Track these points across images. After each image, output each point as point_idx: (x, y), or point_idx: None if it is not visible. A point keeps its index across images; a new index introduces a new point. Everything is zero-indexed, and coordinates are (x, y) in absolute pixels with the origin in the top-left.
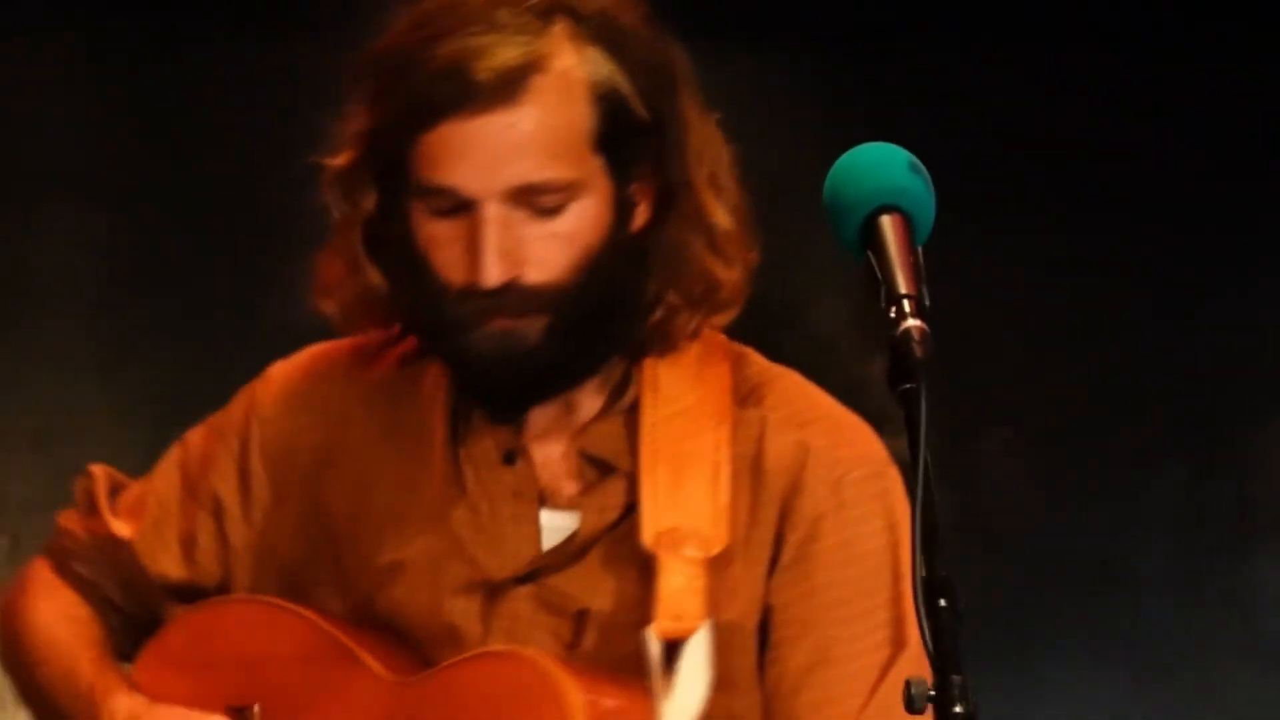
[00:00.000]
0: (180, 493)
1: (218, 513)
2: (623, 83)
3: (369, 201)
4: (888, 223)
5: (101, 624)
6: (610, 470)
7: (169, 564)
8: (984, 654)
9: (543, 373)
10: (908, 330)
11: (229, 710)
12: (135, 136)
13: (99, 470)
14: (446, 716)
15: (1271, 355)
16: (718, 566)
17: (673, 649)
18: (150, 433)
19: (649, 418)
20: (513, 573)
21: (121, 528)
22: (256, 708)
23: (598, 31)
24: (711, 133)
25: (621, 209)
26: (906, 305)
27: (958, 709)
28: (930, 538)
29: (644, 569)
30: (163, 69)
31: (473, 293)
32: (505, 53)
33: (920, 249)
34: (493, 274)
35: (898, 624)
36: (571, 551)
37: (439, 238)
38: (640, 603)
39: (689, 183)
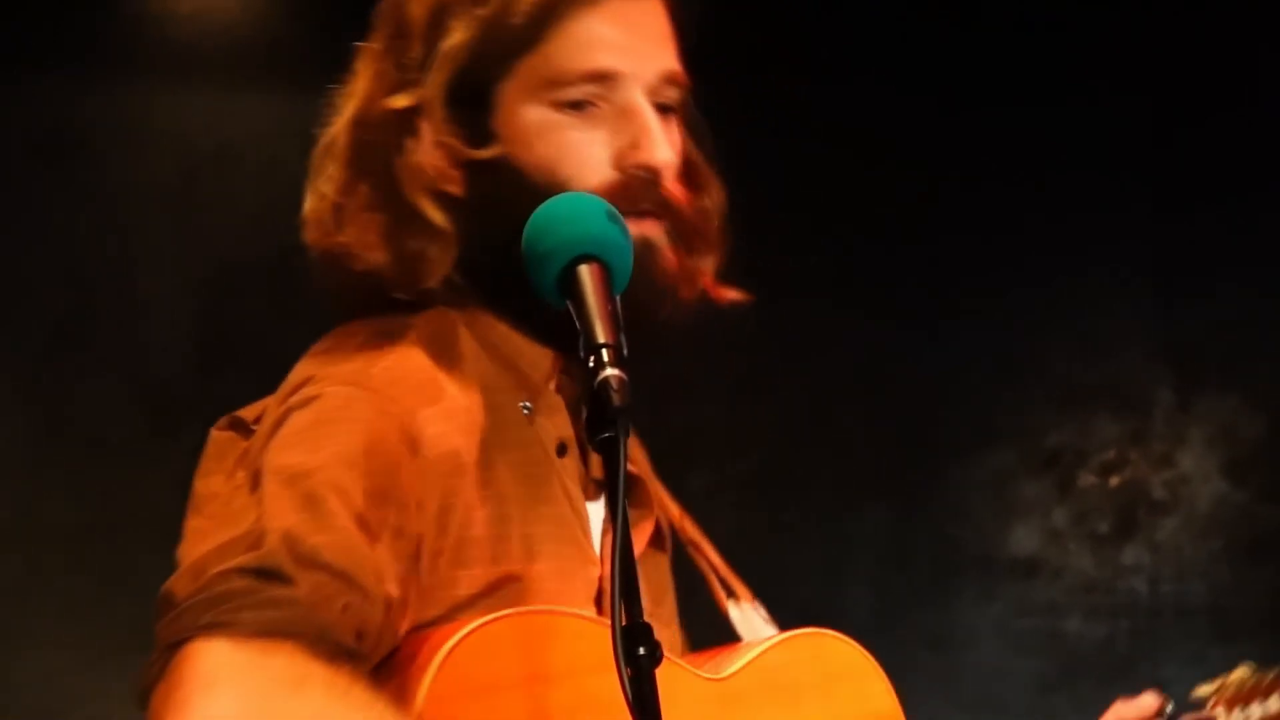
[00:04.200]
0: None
1: (404, 535)
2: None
3: (441, 137)
4: (586, 272)
5: None
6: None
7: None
8: None
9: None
10: (606, 379)
11: None
12: None
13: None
14: (775, 700)
15: (968, 395)
16: None
17: None
18: None
19: None
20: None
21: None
22: None
23: None
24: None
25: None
26: (605, 354)
27: None
28: (629, 586)
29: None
30: None
31: (627, 184)
32: None
33: (618, 298)
34: (665, 150)
35: None
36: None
37: (572, 141)
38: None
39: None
